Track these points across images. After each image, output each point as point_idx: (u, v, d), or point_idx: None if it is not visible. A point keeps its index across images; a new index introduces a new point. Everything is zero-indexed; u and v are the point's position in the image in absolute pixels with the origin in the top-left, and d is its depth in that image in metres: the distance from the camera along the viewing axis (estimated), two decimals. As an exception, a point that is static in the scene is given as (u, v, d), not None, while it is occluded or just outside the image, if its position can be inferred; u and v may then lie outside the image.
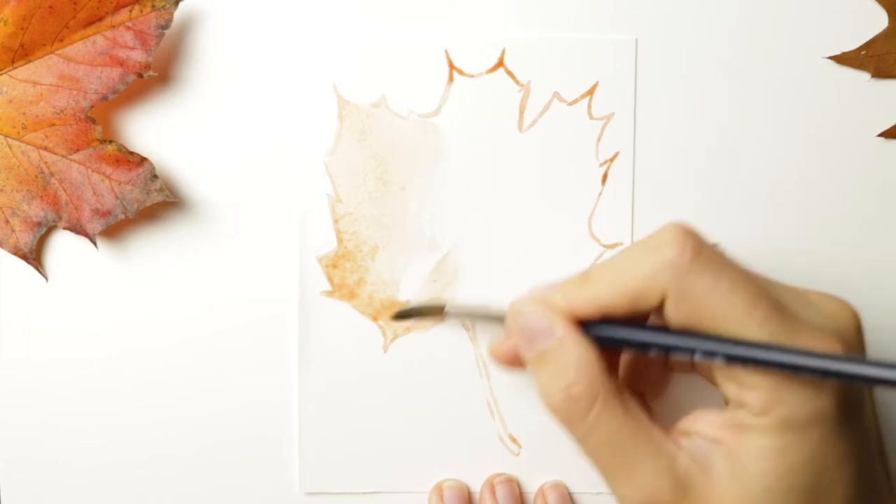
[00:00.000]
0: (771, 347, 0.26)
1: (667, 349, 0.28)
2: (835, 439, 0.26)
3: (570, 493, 0.38)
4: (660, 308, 0.27)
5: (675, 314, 0.27)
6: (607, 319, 0.28)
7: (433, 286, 0.38)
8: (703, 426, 0.28)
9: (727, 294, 0.26)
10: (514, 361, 0.31)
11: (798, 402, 0.26)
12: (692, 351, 0.27)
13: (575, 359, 0.28)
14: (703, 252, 0.27)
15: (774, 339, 0.26)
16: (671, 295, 0.27)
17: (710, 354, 0.27)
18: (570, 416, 0.28)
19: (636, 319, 0.29)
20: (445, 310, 0.34)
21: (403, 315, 0.35)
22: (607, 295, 0.28)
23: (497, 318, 0.31)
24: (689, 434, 0.28)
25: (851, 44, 0.37)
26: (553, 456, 0.38)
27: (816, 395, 0.26)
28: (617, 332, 0.28)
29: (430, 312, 0.36)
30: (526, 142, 0.37)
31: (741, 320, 0.26)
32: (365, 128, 0.37)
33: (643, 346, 0.28)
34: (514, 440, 0.38)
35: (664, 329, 0.28)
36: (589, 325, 0.28)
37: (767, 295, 0.27)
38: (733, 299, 0.26)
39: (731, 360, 0.26)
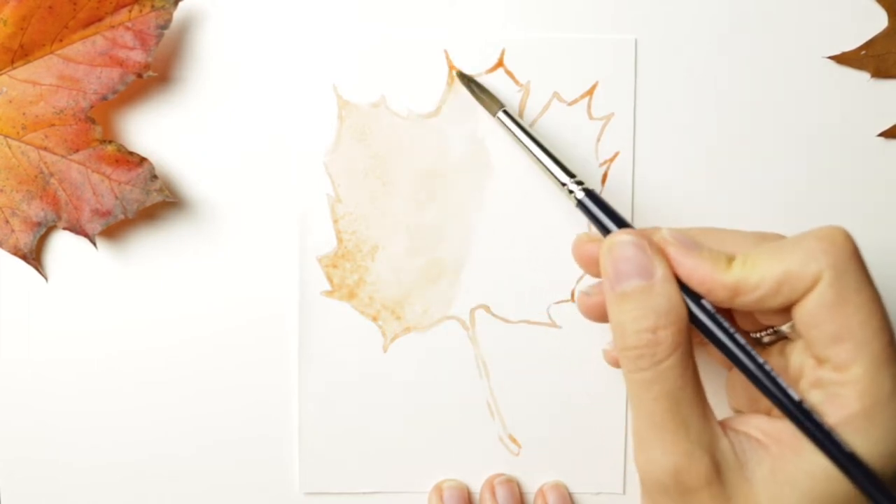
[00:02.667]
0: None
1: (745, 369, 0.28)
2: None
3: (569, 494, 0.38)
4: (792, 303, 0.27)
5: (819, 304, 0.27)
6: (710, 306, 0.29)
7: (433, 286, 0.38)
8: (750, 428, 0.28)
9: (872, 302, 0.27)
10: (602, 315, 0.31)
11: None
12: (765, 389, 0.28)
13: (668, 302, 0.28)
14: (859, 252, 0.27)
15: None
16: (827, 278, 0.26)
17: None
18: (645, 357, 0.27)
19: (753, 309, 0.29)
20: (499, 110, 0.35)
21: (467, 80, 0.36)
22: (758, 274, 0.27)
23: (552, 171, 0.34)
24: (733, 429, 0.28)
25: (851, 44, 0.37)
26: (553, 456, 0.38)
27: None
28: (712, 321, 0.29)
29: (487, 101, 0.36)
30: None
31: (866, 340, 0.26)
32: (365, 128, 0.37)
33: (726, 349, 0.28)
34: (513, 440, 0.38)
35: (743, 347, 0.28)
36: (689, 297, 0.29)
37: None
38: (872, 310, 0.27)
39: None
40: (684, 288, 0.28)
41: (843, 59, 0.37)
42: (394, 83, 0.37)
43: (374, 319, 0.38)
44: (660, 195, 0.38)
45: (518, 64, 0.37)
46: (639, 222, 0.38)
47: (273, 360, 0.38)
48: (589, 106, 0.37)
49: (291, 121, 0.38)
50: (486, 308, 0.38)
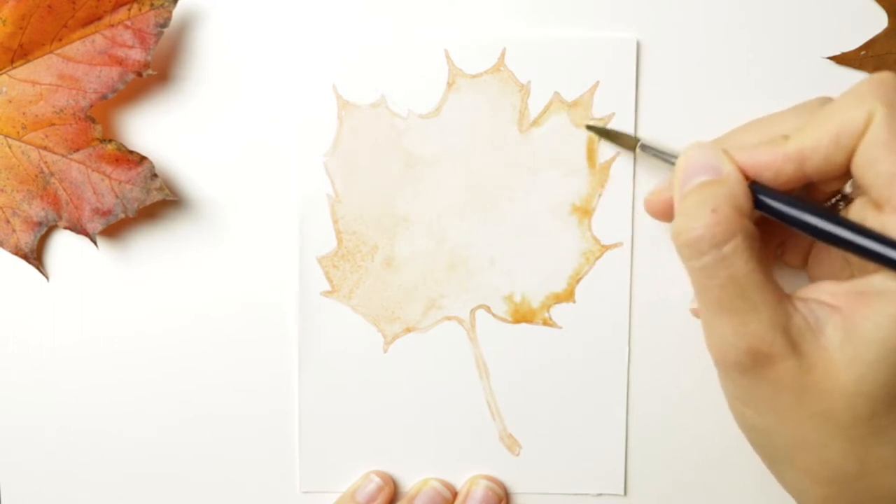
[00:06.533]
0: None
1: (818, 232, 0.29)
2: None
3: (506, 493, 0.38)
4: (853, 152, 0.28)
5: (874, 143, 0.27)
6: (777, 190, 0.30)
7: (433, 286, 0.38)
8: (821, 294, 0.29)
9: None
10: (666, 211, 0.33)
11: None
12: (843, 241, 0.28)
13: (730, 189, 0.29)
14: None
15: None
16: (879, 115, 0.27)
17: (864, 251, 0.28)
18: (704, 239, 0.28)
19: (823, 173, 0.29)
20: (639, 144, 0.36)
21: (596, 130, 0.37)
22: (815, 134, 0.28)
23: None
24: (805, 300, 0.29)
25: (851, 44, 0.37)
26: (553, 457, 0.39)
27: None
28: (779, 202, 0.30)
29: (623, 140, 0.37)
30: (526, 142, 0.37)
31: None
32: (365, 128, 0.37)
33: (799, 223, 0.29)
34: (514, 440, 0.38)
35: (821, 211, 0.29)
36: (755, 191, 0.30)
37: None
38: None
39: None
40: (755, 186, 0.30)
41: (843, 59, 0.37)
42: (394, 83, 0.37)
43: (374, 320, 0.38)
44: (660, 195, 0.38)
45: (518, 64, 0.37)
46: (639, 223, 0.38)
47: (273, 360, 0.38)
48: (589, 106, 0.37)
49: (291, 121, 0.38)
50: (487, 308, 0.38)
